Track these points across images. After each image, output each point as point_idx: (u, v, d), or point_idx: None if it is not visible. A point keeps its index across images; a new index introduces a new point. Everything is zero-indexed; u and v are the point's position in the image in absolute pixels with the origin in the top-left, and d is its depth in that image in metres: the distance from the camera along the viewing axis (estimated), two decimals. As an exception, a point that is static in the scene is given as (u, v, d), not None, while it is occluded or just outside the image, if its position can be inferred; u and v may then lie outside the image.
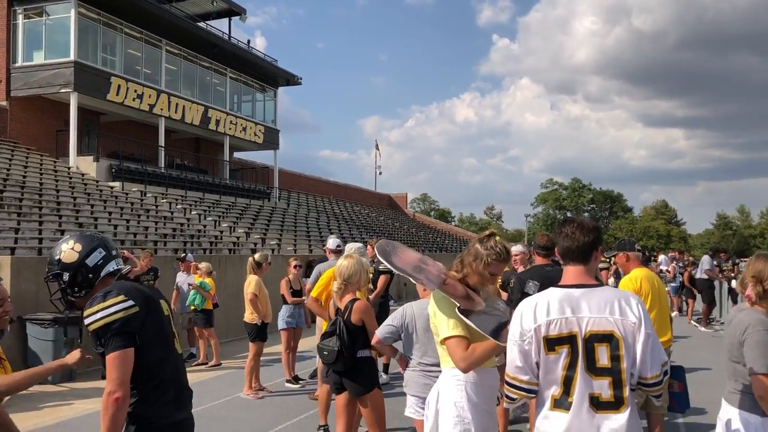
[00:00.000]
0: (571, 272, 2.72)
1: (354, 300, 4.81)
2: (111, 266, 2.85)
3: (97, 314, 2.62)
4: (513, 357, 2.63)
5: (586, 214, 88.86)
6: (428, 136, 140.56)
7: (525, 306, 2.67)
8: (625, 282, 5.46)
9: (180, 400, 2.81)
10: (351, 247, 6.88)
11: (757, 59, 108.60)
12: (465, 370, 3.07)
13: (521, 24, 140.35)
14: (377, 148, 53.80)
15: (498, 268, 3.30)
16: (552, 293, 2.66)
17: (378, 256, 3.44)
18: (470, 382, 3.20)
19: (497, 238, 3.33)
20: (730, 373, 3.30)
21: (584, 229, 2.71)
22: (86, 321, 2.65)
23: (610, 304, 2.60)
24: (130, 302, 2.65)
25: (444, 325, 3.12)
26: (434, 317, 3.23)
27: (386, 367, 8.92)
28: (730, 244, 68.21)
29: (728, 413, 3.28)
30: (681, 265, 18.19)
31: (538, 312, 2.61)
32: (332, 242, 8.26)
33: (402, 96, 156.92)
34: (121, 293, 2.67)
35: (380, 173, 53.10)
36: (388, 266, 3.54)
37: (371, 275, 8.63)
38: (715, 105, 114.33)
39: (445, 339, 3.09)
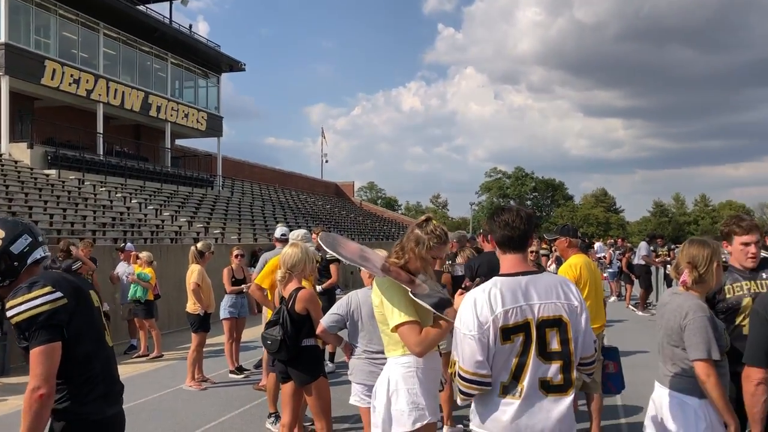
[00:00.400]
0: (511, 260, 2.73)
1: (298, 289, 4.74)
2: (38, 253, 2.67)
3: (21, 306, 2.46)
4: (472, 352, 2.58)
5: (528, 203, 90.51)
6: (375, 124, 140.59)
7: (477, 297, 2.64)
8: (565, 269, 5.54)
9: (111, 395, 2.69)
10: (296, 234, 6.78)
11: (691, 52, 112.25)
12: (420, 355, 3.06)
13: (466, 13, 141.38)
14: (323, 135, 53.43)
15: (439, 251, 3.35)
16: (501, 282, 2.65)
17: (324, 247, 3.43)
18: (420, 368, 3.20)
19: (434, 222, 3.38)
20: (668, 357, 3.35)
21: (522, 217, 2.74)
22: (9, 313, 2.48)
23: (555, 289, 2.67)
24: (58, 293, 2.50)
25: (394, 312, 3.09)
26: (381, 306, 3.20)
27: (332, 355, 8.88)
28: (666, 230, 70.49)
29: (663, 395, 3.34)
30: (619, 251, 18.68)
31: (493, 302, 2.59)
32: (279, 231, 8.15)
33: (348, 84, 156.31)
34: (48, 284, 2.51)
35: (327, 161, 52.75)
36: (335, 256, 3.51)
37: (318, 264, 8.58)
38: (653, 96, 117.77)
39: (398, 326, 3.06)
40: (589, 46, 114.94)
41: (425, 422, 3.17)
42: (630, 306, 16.28)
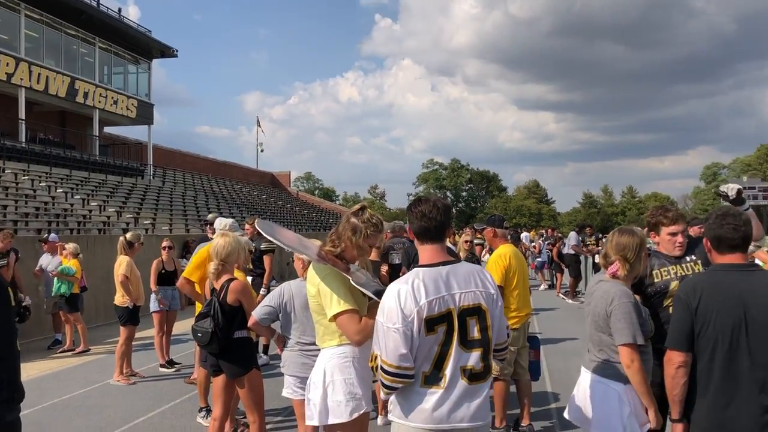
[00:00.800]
0: (431, 251, 2.75)
1: (231, 280, 4.64)
2: None
3: None
4: (396, 345, 2.57)
5: (464, 194, 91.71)
6: (312, 114, 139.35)
7: (401, 289, 2.63)
8: (494, 259, 5.61)
9: (12, 401, 2.53)
10: (223, 223, 6.60)
11: (620, 48, 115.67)
12: (359, 344, 3.05)
13: (402, 5, 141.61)
14: (259, 124, 52.61)
15: (376, 240, 3.36)
16: (422, 273, 2.66)
17: (263, 233, 3.41)
18: (356, 358, 3.18)
19: (369, 210, 3.38)
20: (595, 343, 3.44)
21: (439, 208, 2.76)
22: None
23: (474, 278, 2.71)
24: None
25: (333, 300, 3.06)
26: (318, 295, 3.15)
27: (266, 347, 8.78)
28: (595, 221, 72.65)
29: (589, 381, 3.44)
30: (550, 241, 19.15)
31: (417, 294, 2.59)
32: (212, 220, 7.97)
33: (284, 72, 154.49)
34: None
35: (262, 150, 52.05)
36: (275, 243, 3.50)
37: (251, 255, 8.45)
38: (584, 90, 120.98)
39: (337, 315, 3.04)
40: (523, 41, 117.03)
41: (362, 411, 3.16)
42: (560, 294, 16.71)
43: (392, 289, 2.66)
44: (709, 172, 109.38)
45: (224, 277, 4.66)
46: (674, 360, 2.93)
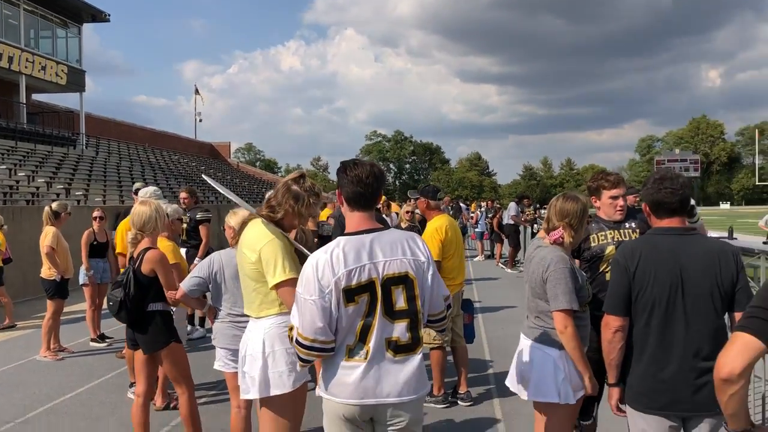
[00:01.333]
0: (358, 218, 2.62)
1: (147, 249, 4.41)
2: None
3: None
4: (312, 317, 2.47)
5: (407, 166, 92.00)
6: (253, 84, 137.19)
7: (319, 260, 2.52)
8: (431, 230, 5.57)
9: None
10: (145, 191, 6.34)
11: (561, 22, 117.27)
12: None
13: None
14: (197, 92, 51.26)
15: (316, 209, 3.31)
16: (344, 242, 2.55)
17: (211, 183, 3.46)
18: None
19: (309, 179, 3.29)
20: (532, 310, 3.43)
21: (375, 174, 2.63)
22: None
23: (401, 245, 2.58)
24: None
25: (277, 268, 2.93)
26: (258, 262, 3.00)
27: (202, 320, 8.57)
28: (535, 192, 74.19)
29: (526, 347, 3.42)
30: (491, 213, 19.37)
31: (335, 264, 2.48)
32: (138, 189, 7.67)
33: (224, 41, 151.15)
34: None
35: (200, 120, 50.61)
36: (224, 193, 3.48)
37: (186, 225, 8.19)
38: (525, 63, 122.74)
39: (280, 283, 2.92)
40: (465, 12, 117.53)
41: (303, 381, 3.08)
42: (500, 264, 16.95)
43: (312, 258, 2.55)
44: (643, 145, 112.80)
45: (143, 246, 4.43)
46: (611, 324, 2.92)
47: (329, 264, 2.48)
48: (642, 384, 2.90)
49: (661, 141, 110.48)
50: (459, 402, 5.68)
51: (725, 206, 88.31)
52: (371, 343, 2.49)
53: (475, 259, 18.64)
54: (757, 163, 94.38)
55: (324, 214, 8.02)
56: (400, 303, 2.52)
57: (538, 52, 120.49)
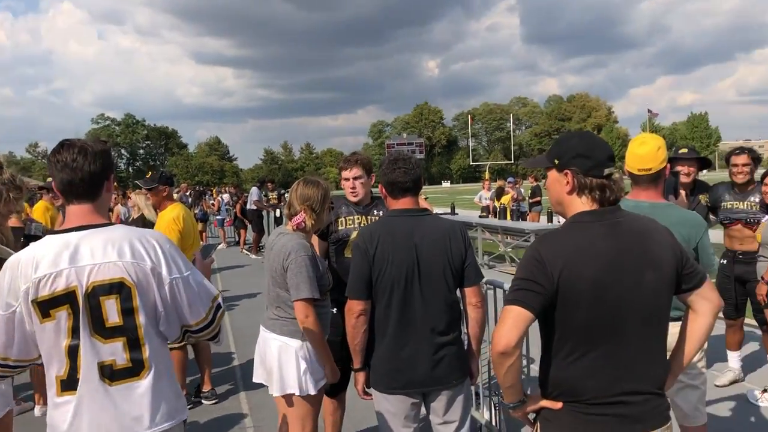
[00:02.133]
0: (72, 212, 2.10)
1: None
2: None
3: None
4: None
5: (141, 151, 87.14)
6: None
7: (8, 264, 2.06)
8: (168, 221, 5.13)
9: None
10: None
11: (290, 7, 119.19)
12: None
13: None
14: None
15: (18, 204, 2.99)
16: (46, 243, 2.06)
17: None
18: None
19: (10, 170, 2.91)
20: (273, 299, 3.29)
21: (89, 154, 2.07)
22: None
23: (119, 246, 2.05)
24: None
25: None
26: None
27: None
28: (277, 176, 74.89)
29: (267, 339, 3.28)
30: (234, 199, 18.98)
31: (25, 270, 2.01)
32: None
33: None
34: None
35: None
36: None
37: None
38: (260, 47, 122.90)
39: None
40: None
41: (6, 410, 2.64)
42: (244, 250, 16.71)
43: (10, 261, 2.08)
44: (375, 130, 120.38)
45: None
46: (354, 309, 2.91)
47: (17, 271, 2.02)
48: (384, 365, 2.94)
49: (391, 126, 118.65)
50: (203, 401, 5.41)
51: (446, 185, 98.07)
52: (82, 371, 2.03)
53: (219, 247, 18.15)
54: (470, 145, 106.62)
55: (38, 208, 7.09)
56: (114, 318, 2.04)
57: (272, 37, 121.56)
